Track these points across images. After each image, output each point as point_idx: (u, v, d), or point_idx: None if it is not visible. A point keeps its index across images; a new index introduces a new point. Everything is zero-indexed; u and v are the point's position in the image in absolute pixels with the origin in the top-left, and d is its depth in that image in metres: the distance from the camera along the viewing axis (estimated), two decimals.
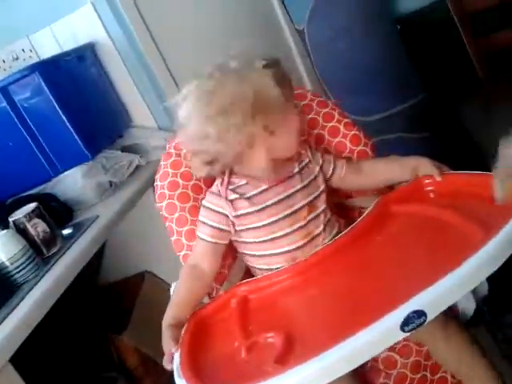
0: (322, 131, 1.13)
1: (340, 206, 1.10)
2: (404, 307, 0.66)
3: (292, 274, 0.88)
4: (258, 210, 0.94)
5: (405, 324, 0.65)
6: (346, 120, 1.13)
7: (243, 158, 0.91)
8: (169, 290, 1.00)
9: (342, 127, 1.12)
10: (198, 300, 0.94)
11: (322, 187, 1.00)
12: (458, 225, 0.80)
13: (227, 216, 0.96)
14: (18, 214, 1.33)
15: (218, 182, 0.99)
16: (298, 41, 2.20)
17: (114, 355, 1.59)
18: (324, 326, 0.75)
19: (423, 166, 0.96)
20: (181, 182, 1.08)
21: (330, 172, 1.03)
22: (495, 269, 0.70)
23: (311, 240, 0.95)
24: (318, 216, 0.97)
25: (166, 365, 0.83)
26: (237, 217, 0.95)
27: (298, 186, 0.97)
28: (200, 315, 0.89)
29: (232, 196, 0.96)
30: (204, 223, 0.97)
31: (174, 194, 1.07)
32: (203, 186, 1.08)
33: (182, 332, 0.85)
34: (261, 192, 0.96)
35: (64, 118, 1.53)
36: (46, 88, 1.50)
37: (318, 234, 0.96)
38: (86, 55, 1.75)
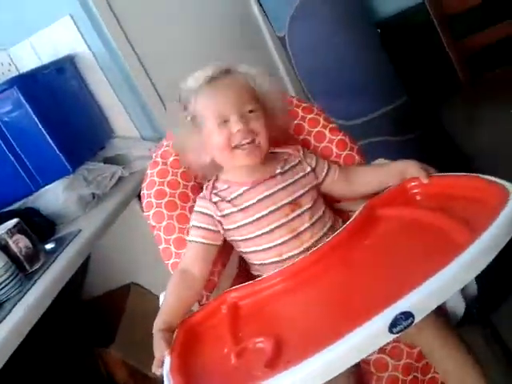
0: (308, 137, 1.13)
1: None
2: (391, 309, 0.65)
3: (281, 278, 0.88)
4: (241, 209, 0.98)
5: (393, 326, 0.65)
6: (331, 125, 1.14)
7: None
8: (157, 300, 0.99)
9: (327, 132, 1.13)
10: (189, 306, 0.94)
11: (308, 187, 1.01)
12: (444, 226, 0.80)
13: (212, 216, 0.99)
14: (0, 230, 1.31)
15: (204, 187, 1.04)
16: (279, 47, 2.20)
17: (102, 369, 1.57)
18: (313, 330, 0.75)
19: (410, 169, 0.96)
20: (168, 190, 1.08)
21: (324, 173, 1.04)
22: (481, 269, 0.69)
23: (296, 236, 0.97)
24: (302, 213, 0.98)
25: (156, 370, 0.82)
26: (223, 216, 0.99)
27: (280, 186, 0.99)
28: (190, 322, 0.89)
29: (215, 199, 1.00)
30: (194, 226, 1.01)
31: (162, 203, 1.07)
32: (190, 193, 1.09)
33: (173, 337, 0.84)
34: (242, 193, 0.99)
35: (44, 131, 1.52)
36: (24, 102, 1.49)
37: (304, 230, 0.97)
38: (65, 67, 1.74)
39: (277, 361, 0.70)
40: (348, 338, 0.64)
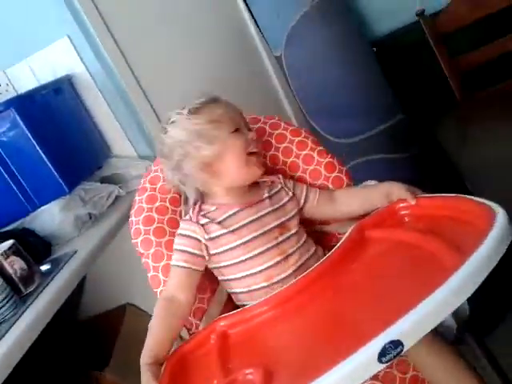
0: (297, 159, 1.15)
1: (317, 232, 1.11)
2: (380, 338, 0.65)
3: (269, 306, 0.88)
4: (231, 231, 0.98)
5: (382, 355, 0.65)
6: (319, 148, 1.15)
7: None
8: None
9: (315, 155, 1.14)
10: (176, 335, 0.93)
11: (294, 212, 1.03)
12: (433, 249, 0.80)
13: (199, 240, 0.98)
14: None
15: (189, 210, 1.02)
16: (276, 66, 2.22)
17: None
18: (302, 361, 0.74)
19: (396, 191, 0.97)
20: (156, 216, 1.07)
21: (303, 200, 1.06)
22: (471, 292, 0.69)
23: (285, 258, 0.97)
24: (290, 237, 1.00)
25: None
26: (211, 239, 0.98)
27: (269, 209, 1.01)
28: (180, 352, 0.88)
29: (203, 220, 0.99)
30: (177, 250, 0.99)
31: (150, 229, 1.07)
32: (179, 219, 1.08)
33: (162, 370, 0.83)
34: (231, 215, 0.99)
35: (41, 152, 1.52)
36: (21, 123, 1.49)
37: (293, 253, 0.98)
38: (63, 88, 1.75)
39: None
40: (337, 369, 0.64)
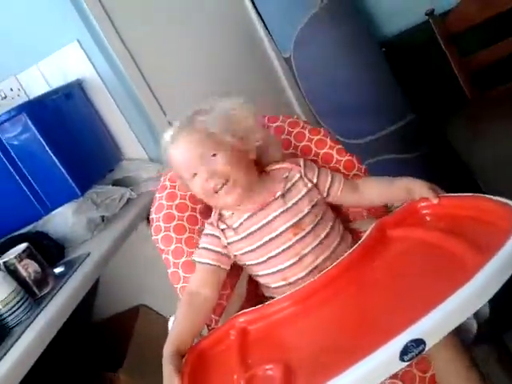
0: (316, 158, 1.15)
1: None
2: (402, 336, 0.64)
3: (290, 302, 0.88)
4: (243, 238, 0.99)
5: (404, 353, 0.64)
6: (338, 146, 1.16)
7: None
8: (165, 322, 0.99)
9: (335, 153, 1.15)
10: (198, 330, 0.94)
11: (312, 204, 1.01)
12: (454, 249, 0.79)
13: (221, 240, 1.01)
14: (9, 255, 1.31)
15: (213, 213, 1.04)
16: (285, 68, 2.21)
17: None
18: (323, 357, 0.74)
19: (418, 189, 0.95)
20: (176, 213, 1.09)
21: (328, 186, 1.04)
22: (494, 293, 0.68)
23: (299, 260, 0.97)
24: (304, 237, 0.98)
25: None
26: (229, 244, 1.00)
27: (280, 210, 0.99)
28: (199, 348, 0.89)
29: (222, 226, 1.02)
30: (204, 248, 1.01)
31: (170, 226, 1.08)
32: (199, 216, 1.10)
33: (183, 363, 0.84)
34: (244, 220, 1.00)
35: (53, 156, 1.53)
36: (33, 127, 1.51)
37: (308, 253, 0.97)
38: (73, 92, 1.76)
39: None
40: (358, 367, 0.63)
